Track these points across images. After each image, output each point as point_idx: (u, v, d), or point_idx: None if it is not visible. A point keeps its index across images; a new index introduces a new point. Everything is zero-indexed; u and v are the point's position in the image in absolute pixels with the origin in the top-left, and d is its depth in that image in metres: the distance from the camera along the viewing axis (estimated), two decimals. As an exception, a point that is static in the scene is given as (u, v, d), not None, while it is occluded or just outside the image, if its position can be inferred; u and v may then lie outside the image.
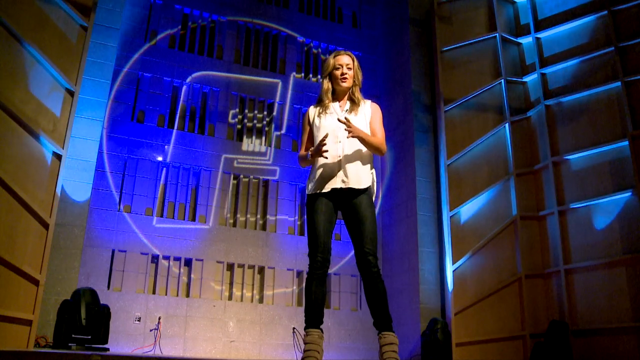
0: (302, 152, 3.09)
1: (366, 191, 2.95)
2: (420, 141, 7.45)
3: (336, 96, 3.09)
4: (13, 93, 4.39)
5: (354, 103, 3.05)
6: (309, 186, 3.00)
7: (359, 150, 2.97)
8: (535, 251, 6.34)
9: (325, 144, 2.85)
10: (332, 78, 3.06)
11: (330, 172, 2.93)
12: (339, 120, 2.86)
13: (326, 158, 2.90)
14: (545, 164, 6.45)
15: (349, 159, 2.94)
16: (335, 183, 2.91)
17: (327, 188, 2.92)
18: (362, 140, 2.92)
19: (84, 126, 6.14)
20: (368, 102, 3.13)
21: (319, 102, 3.10)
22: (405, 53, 8.00)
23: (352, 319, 7.30)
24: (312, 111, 3.11)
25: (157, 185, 6.90)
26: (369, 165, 3.01)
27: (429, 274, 6.91)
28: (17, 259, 4.41)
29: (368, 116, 3.06)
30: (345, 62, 3.03)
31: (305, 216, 3.05)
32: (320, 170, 2.96)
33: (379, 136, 3.01)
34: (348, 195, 2.93)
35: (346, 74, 3.02)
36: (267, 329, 6.81)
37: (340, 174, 2.91)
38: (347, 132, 2.88)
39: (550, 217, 6.29)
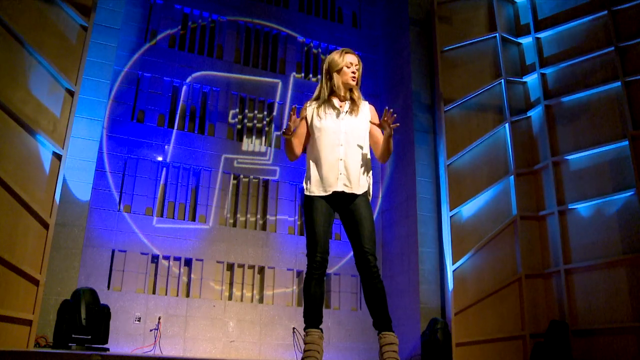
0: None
1: (364, 192, 2.94)
2: (420, 141, 7.45)
3: (336, 93, 3.07)
4: (13, 93, 4.39)
5: (354, 102, 3.04)
6: (308, 186, 2.96)
7: (360, 154, 2.96)
8: (535, 251, 6.34)
9: (293, 122, 2.91)
10: (339, 75, 3.05)
11: (331, 174, 2.90)
12: (382, 121, 2.88)
13: (289, 134, 2.93)
14: (545, 164, 6.45)
15: (350, 162, 2.92)
16: (337, 186, 2.89)
17: (328, 191, 2.90)
18: (387, 140, 2.95)
19: (84, 126, 6.14)
20: (366, 103, 3.12)
21: (318, 99, 3.07)
22: (405, 53, 8.00)
23: (352, 319, 7.30)
24: (310, 109, 3.07)
25: (157, 185, 6.90)
26: (368, 168, 3.01)
27: (429, 274, 6.91)
28: (17, 259, 4.41)
29: (367, 118, 3.06)
30: (355, 62, 3.05)
31: (304, 216, 3.02)
32: (320, 171, 2.93)
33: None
34: (347, 198, 2.92)
35: (356, 72, 3.04)
36: (267, 329, 6.81)
37: (342, 177, 2.89)
38: (350, 136, 2.91)
39: (550, 217, 6.29)
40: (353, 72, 3.03)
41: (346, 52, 3.08)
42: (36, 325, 4.75)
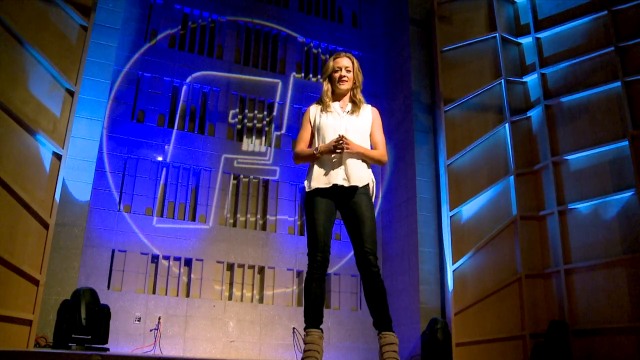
0: (302, 147, 3.06)
1: (365, 191, 2.95)
2: (420, 141, 7.45)
3: (336, 97, 3.11)
4: (13, 93, 4.39)
5: (355, 105, 3.06)
6: (308, 182, 2.98)
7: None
8: (535, 251, 6.34)
9: (339, 144, 2.83)
10: (331, 80, 3.08)
11: (331, 169, 2.93)
12: (339, 137, 2.85)
13: (339, 152, 2.87)
14: (545, 164, 6.45)
15: (350, 157, 2.94)
16: (337, 179, 2.90)
17: (327, 184, 2.91)
18: (361, 154, 2.94)
19: (84, 126, 6.14)
20: (368, 106, 3.14)
21: (320, 102, 3.11)
22: (405, 53, 8.00)
23: (352, 319, 7.30)
24: (314, 109, 3.12)
25: (157, 185, 6.90)
26: (368, 166, 3.03)
27: (429, 274, 6.91)
28: (17, 259, 4.41)
29: (369, 120, 3.08)
30: (345, 65, 3.05)
31: (305, 215, 3.04)
32: (320, 167, 2.95)
33: (380, 146, 3.05)
34: (348, 194, 2.92)
35: (345, 76, 3.03)
36: (267, 329, 6.81)
37: (341, 171, 2.91)
38: (351, 132, 2.93)
39: (550, 217, 6.29)
40: (341, 76, 3.03)
41: (336, 57, 3.09)
42: (36, 325, 4.75)
